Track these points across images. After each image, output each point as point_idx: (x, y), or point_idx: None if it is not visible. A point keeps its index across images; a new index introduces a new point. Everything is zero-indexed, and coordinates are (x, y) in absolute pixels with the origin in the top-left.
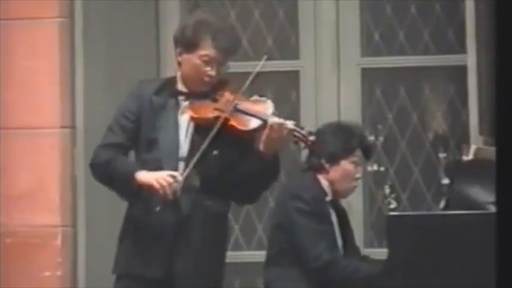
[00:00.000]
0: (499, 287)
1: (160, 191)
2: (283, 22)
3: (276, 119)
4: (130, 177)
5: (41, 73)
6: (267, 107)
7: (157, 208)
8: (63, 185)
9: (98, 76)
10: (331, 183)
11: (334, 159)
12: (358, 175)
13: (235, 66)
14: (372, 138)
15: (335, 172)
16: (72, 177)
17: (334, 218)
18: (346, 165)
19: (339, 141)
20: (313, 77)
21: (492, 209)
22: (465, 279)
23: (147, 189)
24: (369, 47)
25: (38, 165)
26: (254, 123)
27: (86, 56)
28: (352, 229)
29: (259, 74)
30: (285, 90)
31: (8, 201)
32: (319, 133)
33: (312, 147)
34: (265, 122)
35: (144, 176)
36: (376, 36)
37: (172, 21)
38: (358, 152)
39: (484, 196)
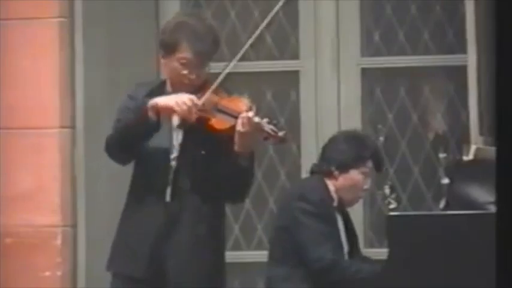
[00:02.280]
0: (499, 287)
1: (180, 111)
2: (283, 22)
3: (244, 114)
4: (144, 109)
5: (41, 73)
6: (241, 105)
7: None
8: (63, 185)
9: (98, 76)
10: (338, 190)
11: (344, 168)
12: (366, 186)
13: (234, 66)
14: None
15: (343, 180)
16: (72, 177)
17: (340, 223)
18: (355, 175)
19: (351, 150)
20: (313, 77)
21: (492, 209)
22: (465, 279)
23: (167, 112)
24: (369, 47)
25: (38, 165)
26: (229, 121)
27: (86, 56)
28: (357, 235)
29: (258, 73)
30: (285, 90)
31: (8, 201)
32: (332, 139)
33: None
34: (235, 118)
35: (161, 100)
36: (376, 36)
37: None
38: (369, 164)
39: (484, 196)
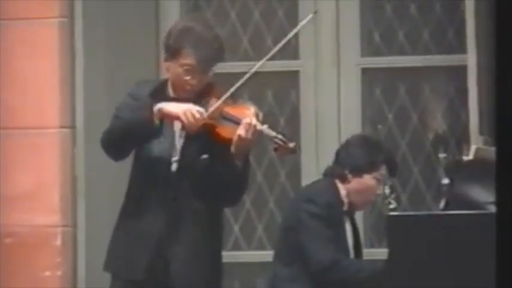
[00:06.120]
0: (499, 287)
1: (186, 122)
2: (283, 22)
3: (248, 119)
4: (148, 109)
5: (41, 73)
6: (248, 113)
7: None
8: (63, 185)
9: (98, 76)
10: (350, 193)
11: (357, 172)
12: (378, 191)
13: (235, 67)
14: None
15: (356, 184)
16: (72, 177)
17: (348, 228)
18: (368, 180)
19: (364, 154)
20: (313, 77)
21: (492, 209)
22: (465, 279)
23: (171, 119)
24: (369, 47)
25: (38, 165)
26: (236, 130)
27: (86, 56)
28: (362, 244)
29: (258, 73)
30: (285, 90)
31: (8, 201)
32: (346, 143)
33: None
34: (239, 124)
35: (168, 106)
36: (376, 36)
37: (172, 21)
38: (383, 170)
39: (484, 196)
